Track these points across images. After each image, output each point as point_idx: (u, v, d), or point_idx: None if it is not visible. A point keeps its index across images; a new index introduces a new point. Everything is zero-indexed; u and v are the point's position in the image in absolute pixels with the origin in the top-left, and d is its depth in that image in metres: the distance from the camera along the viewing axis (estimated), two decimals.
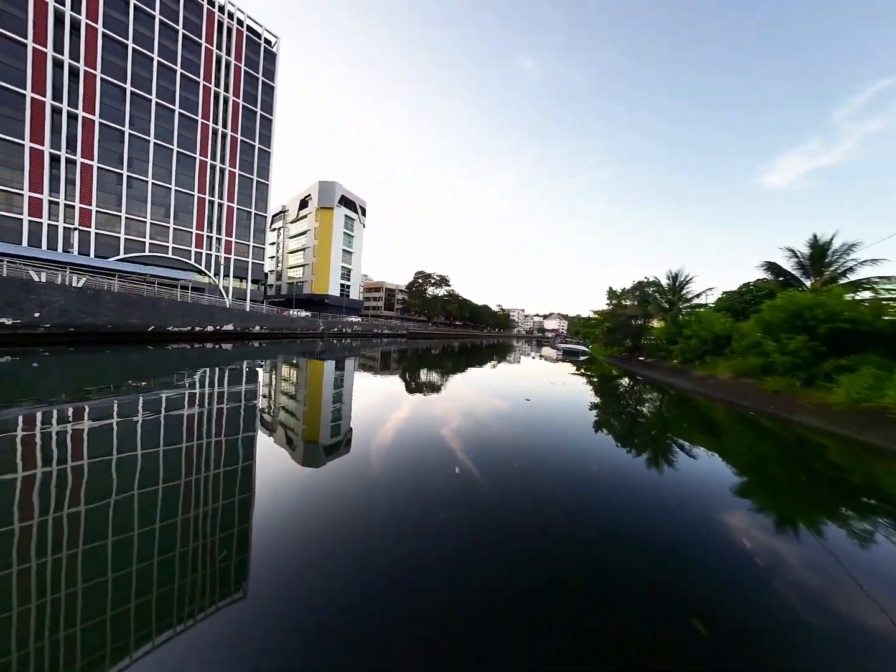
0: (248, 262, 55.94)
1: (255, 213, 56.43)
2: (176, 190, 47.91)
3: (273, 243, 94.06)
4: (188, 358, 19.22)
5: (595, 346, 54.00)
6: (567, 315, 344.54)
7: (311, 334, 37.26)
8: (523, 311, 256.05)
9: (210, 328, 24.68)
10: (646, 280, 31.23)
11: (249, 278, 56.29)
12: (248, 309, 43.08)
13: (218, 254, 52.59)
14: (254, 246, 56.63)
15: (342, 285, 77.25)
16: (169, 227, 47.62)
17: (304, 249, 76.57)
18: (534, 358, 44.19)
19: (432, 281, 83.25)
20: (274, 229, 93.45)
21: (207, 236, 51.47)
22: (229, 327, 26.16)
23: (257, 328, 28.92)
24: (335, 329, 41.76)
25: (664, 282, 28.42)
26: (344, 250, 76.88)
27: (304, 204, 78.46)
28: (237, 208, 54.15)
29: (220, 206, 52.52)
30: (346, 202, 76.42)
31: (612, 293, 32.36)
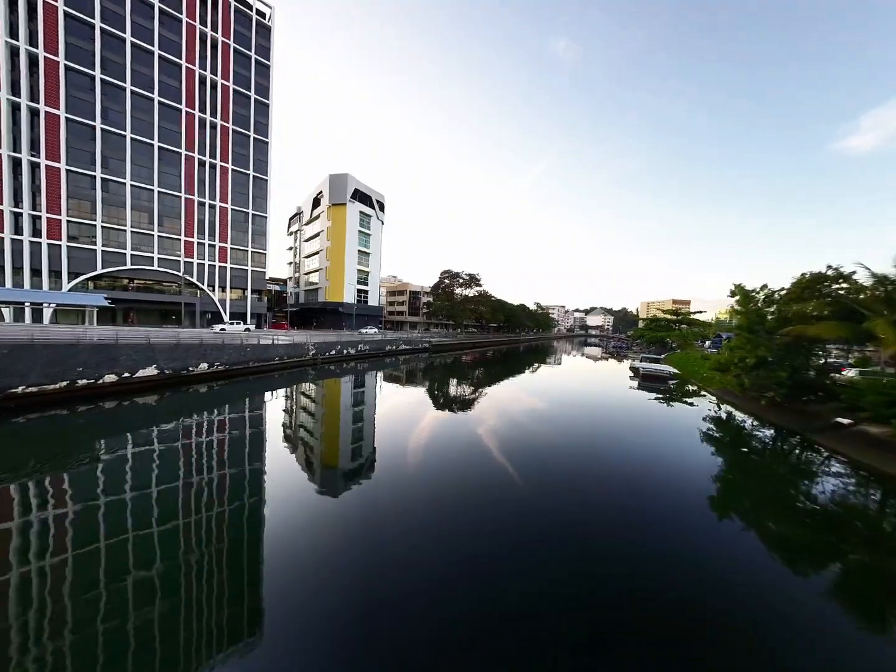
0: (246, 270, 49.11)
1: (254, 214, 49.41)
2: (159, 192, 41.68)
3: (291, 248, 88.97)
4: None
5: (694, 367, 40.40)
6: (611, 309, 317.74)
7: (296, 363, 28.41)
8: (563, 307, 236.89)
9: (109, 377, 16.27)
10: (833, 271, 18.11)
11: (249, 289, 49.45)
12: (224, 329, 35.55)
13: (212, 262, 46.08)
14: (253, 251, 49.70)
15: (359, 291, 69.22)
16: (153, 235, 41.52)
17: (318, 253, 69.56)
18: (589, 358, 32.15)
19: (460, 281, 72.98)
20: (291, 233, 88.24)
21: (199, 243, 45.05)
22: (149, 371, 17.55)
23: (204, 366, 20.20)
24: (333, 352, 32.82)
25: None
26: (360, 251, 68.75)
27: (316, 202, 71.45)
28: (232, 209, 47.33)
29: (213, 207, 45.90)
30: (361, 197, 68.15)
31: (744, 295, 19.64)
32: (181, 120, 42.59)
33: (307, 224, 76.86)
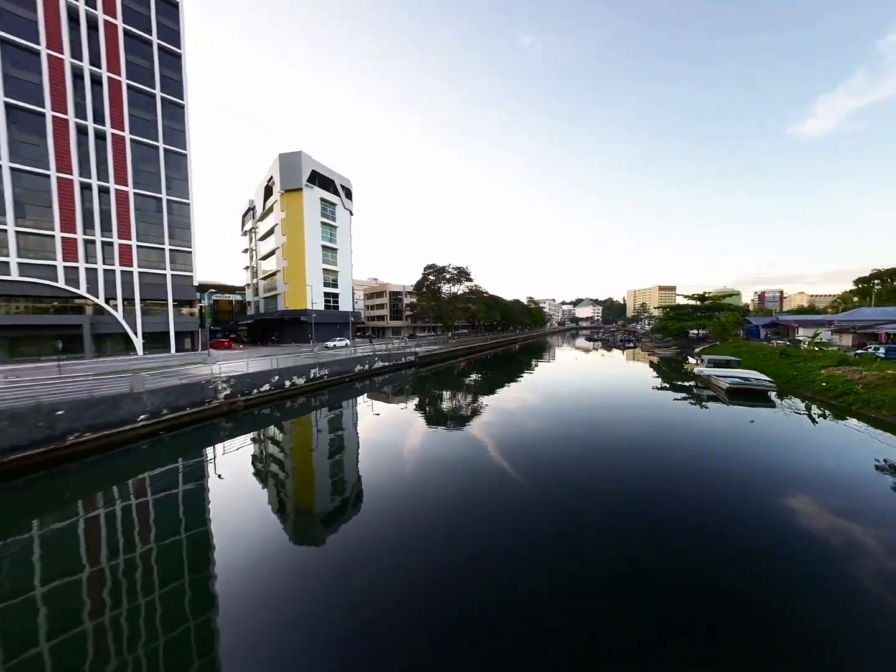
0: (164, 275, 36.80)
1: (170, 201, 37.12)
2: (13, 168, 29.17)
3: (246, 250, 76.09)
4: None
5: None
6: (597, 300, 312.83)
7: (188, 418, 16.86)
8: (554, 300, 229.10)
9: None
10: None
11: (171, 300, 37.12)
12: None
13: (109, 267, 33.66)
14: (173, 250, 37.40)
15: (327, 295, 57.35)
16: (7, 231, 28.96)
17: (274, 253, 57.32)
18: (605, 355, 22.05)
19: (447, 276, 62.27)
20: (245, 232, 75.37)
21: (86, 241, 32.61)
22: None
23: None
24: (267, 387, 21.39)
25: None
26: (325, 247, 56.89)
27: (268, 192, 59.16)
28: (136, 193, 34.98)
29: (105, 191, 33.51)
30: (321, 181, 56.30)
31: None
32: (41, 67, 30.10)
33: (261, 219, 64.40)
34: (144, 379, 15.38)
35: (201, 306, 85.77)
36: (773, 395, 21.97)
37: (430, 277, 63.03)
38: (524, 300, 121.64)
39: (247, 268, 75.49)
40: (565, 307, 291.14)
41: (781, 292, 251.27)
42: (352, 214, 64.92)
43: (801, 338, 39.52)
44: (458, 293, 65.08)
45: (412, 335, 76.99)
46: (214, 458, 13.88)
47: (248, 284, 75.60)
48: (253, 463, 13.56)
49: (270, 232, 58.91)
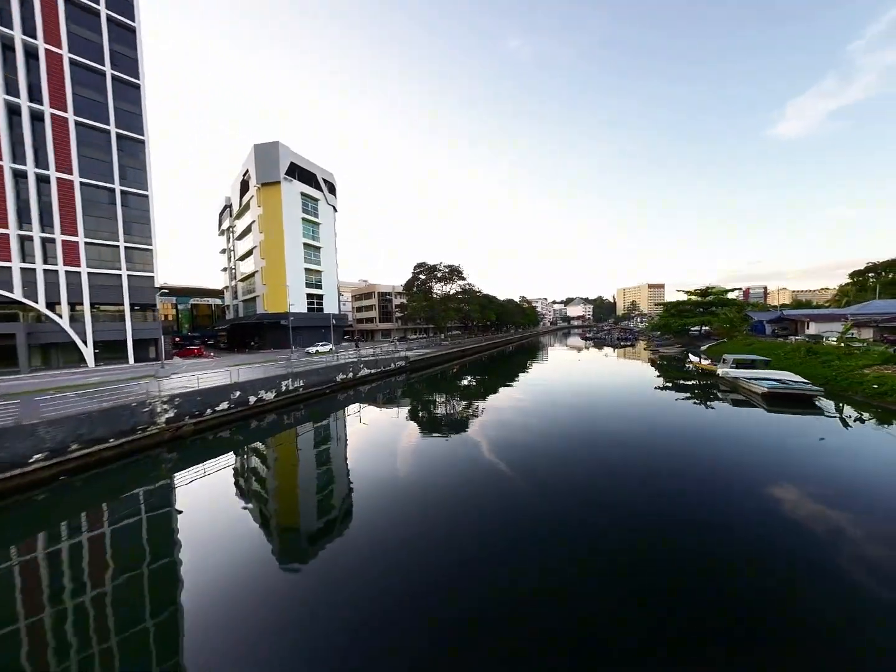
0: (119, 275, 32.54)
1: (125, 192, 32.90)
2: None
3: (224, 251, 71.48)
4: None
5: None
6: (587, 298, 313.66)
7: (116, 451, 13.10)
8: (546, 299, 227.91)
9: None
10: None
11: (127, 304, 32.84)
12: None
13: (52, 267, 29.34)
14: (129, 247, 33.17)
15: (310, 296, 53.40)
16: None
17: (251, 252, 53.10)
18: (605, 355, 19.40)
19: (439, 275, 58.86)
20: (222, 232, 70.78)
21: (22, 237, 28.28)
22: None
23: None
24: (225, 405, 17.65)
25: None
26: (307, 245, 52.93)
27: (244, 187, 54.97)
28: (83, 183, 30.72)
29: (44, 180, 29.21)
30: (302, 174, 52.40)
31: None
32: None
33: (238, 217, 60.09)
34: (39, 406, 11.56)
35: (178, 311, 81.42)
36: (818, 400, 19.14)
37: (421, 277, 59.54)
38: (517, 300, 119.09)
39: (224, 269, 70.89)
40: (556, 306, 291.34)
41: (765, 288, 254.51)
42: (336, 211, 61.10)
43: (816, 333, 37.30)
44: (451, 293, 61.75)
45: (403, 337, 73.33)
46: (143, 502, 10.23)
47: (226, 287, 70.99)
48: (202, 500, 9.98)
49: (248, 230, 54.68)
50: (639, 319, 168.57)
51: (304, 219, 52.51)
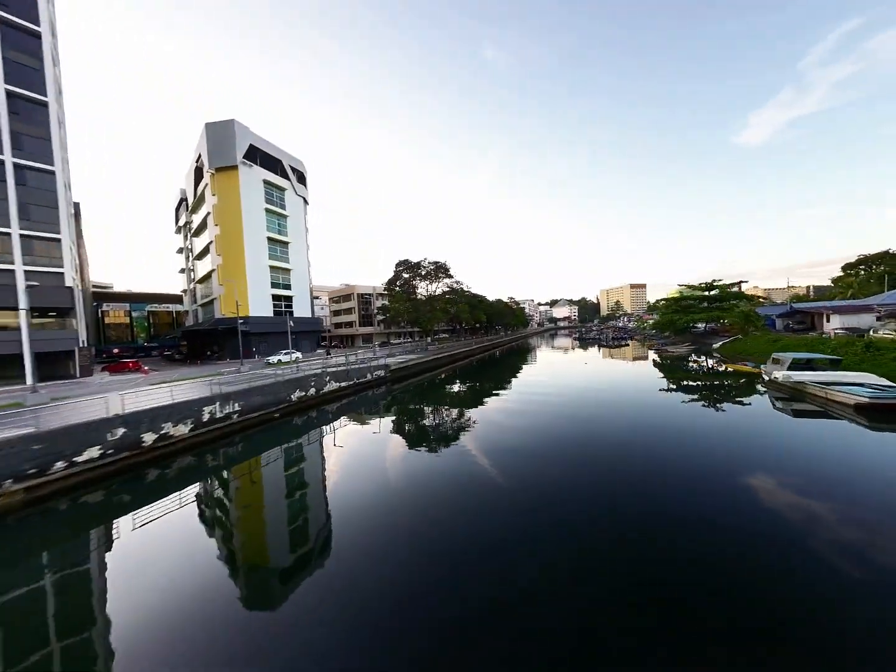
0: (12, 270, 25.46)
1: (20, 165, 25.95)
2: None
3: (181, 250, 63.81)
4: None
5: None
6: (572, 300, 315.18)
7: None
8: (533, 300, 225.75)
9: None
10: None
11: (24, 307, 25.69)
12: None
13: None
14: (26, 235, 26.14)
15: (277, 298, 46.82)
16: None
17: (208, 249, 46.14)
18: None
19: (423, 272, 53.34)
20: (179, 228, 63.16)
21: None
22: None
23: None
24: (88, 456, 11.34)
25: None
26: (272, 240, 46.44)
27: (199, 175, 48.09)
28: None
29: None
30: (265, 159, 46.06)
31: None
32: None
33: (193, 211, 52.97)
34: None
35: (132, 320, 72.63)
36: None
37: (404, 275, 53.80)
38: (505, 300, 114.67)
39: (182, 270, 63.18)
40: (542, 308, 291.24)
41: (739, 286, 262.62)
42: (307, 203, 54.83)
43: (842, 327, 33.64)
44: (437, 293, 56.21)
45: (384, 343, 67.17)
46: None
47: (184, 290, 63.25)
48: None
49: (203, 225, 47.73)
50: (626, 319, 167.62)
51: (268, 210, 46.06)
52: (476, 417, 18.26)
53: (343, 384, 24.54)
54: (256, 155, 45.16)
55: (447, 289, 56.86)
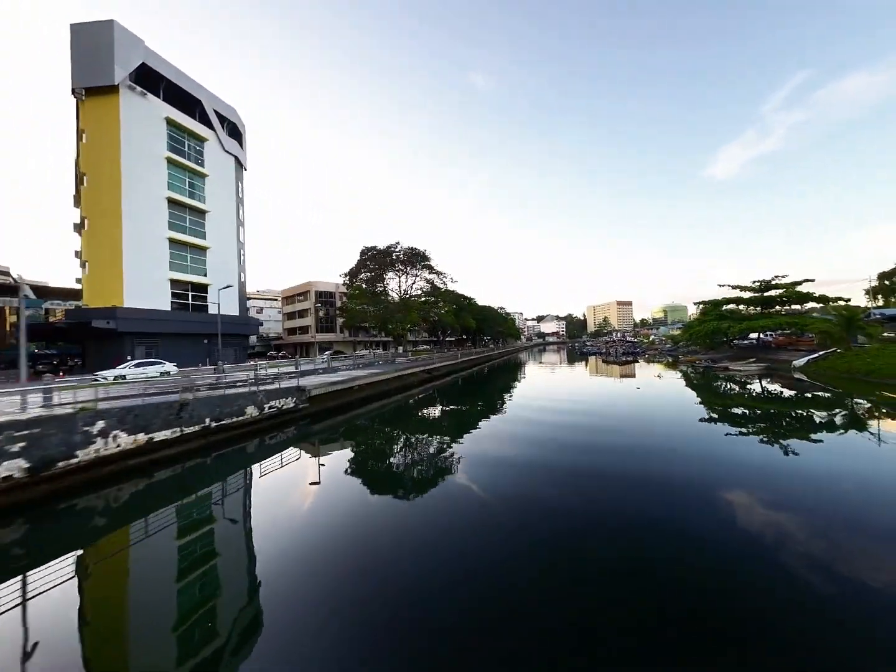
0: None
1: None
2: None
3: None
4: None
5: None
6: (558, 316, 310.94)
7: None
8: (521, 314, 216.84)
9: None
10: None
11: None
12: None
13: None
14: None
15: (180, 285, 32.74)
16: None
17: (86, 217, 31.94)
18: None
19: (395, 263, 40.35)
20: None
21: None
22: None
23: None
24: None
25: None
26: (176, 203, 32.76)
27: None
28: None
29: None
30: (172, 92, 32.94)
31: None
32: None
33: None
34: None
35: (19, 318, 56.20)
36: None
37: (368, 264, 40.80)
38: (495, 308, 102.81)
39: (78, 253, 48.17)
40: (530, 322, 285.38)
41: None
42: (244, 168, 41.68)
43: None
44: (413, 290, 43.44)
45: (337, 353, 53.24)
46: None
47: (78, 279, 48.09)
48: None
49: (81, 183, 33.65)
50: (620, 334, 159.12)
51: (172, 161, 32.57)
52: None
53: (187, 431, 10.96)
54: (159, 84, 32.03)
55: (427, 285, 44.08)
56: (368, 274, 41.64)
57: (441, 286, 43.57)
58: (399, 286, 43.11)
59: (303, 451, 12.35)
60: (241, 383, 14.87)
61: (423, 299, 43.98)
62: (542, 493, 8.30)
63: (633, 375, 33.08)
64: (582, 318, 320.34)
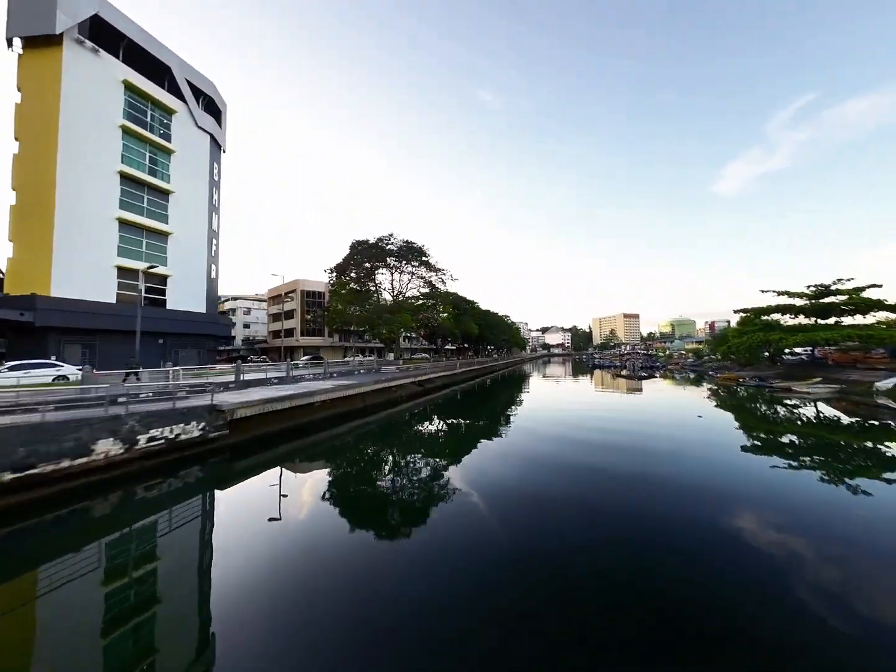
0: None
1: None
2: None
3: None
4: None
5: None
6: (563, 327, 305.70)
7: None
8: (526, 324, 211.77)
9: None
10: None
11: None
12: None
13: None
14: None
15: (127, 273, 27.78)
16: None
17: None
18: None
19: (388, 257, 35.16)
20: None
21: None
22: None
23: None
24: None
25: None
26: (129, 178, 28.10)
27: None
28: None
29: None
30: (133, 53, 28.65)
31: None
32: None
33: None
34: None
35: None
36: None
37: (356, 256, 35.76)
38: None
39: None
40: (534, 333, 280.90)
41: (728, 322, 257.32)
42: (222, 150, 37.30)
43: None
44: (406, 291, 38.25)
45: (314, 358, 47.86)
46: None
47: None
48: None
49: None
50: (628, 346, 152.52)
51: (128, 131, 28.02)
52: None
53: None
54: (118, 43, 27.75)
55: (425, 285, 38.82)
56: (358, 271, 36.60)
57: (440, 286, 38.34)
58: (392, 285, 37.99)
59: (210, 500, 7.16)
60: (106, 399, 9.50)
61: (419, 302, 38.80)
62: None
63: (672, 395, 27.28)
64: (587, 330, 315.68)
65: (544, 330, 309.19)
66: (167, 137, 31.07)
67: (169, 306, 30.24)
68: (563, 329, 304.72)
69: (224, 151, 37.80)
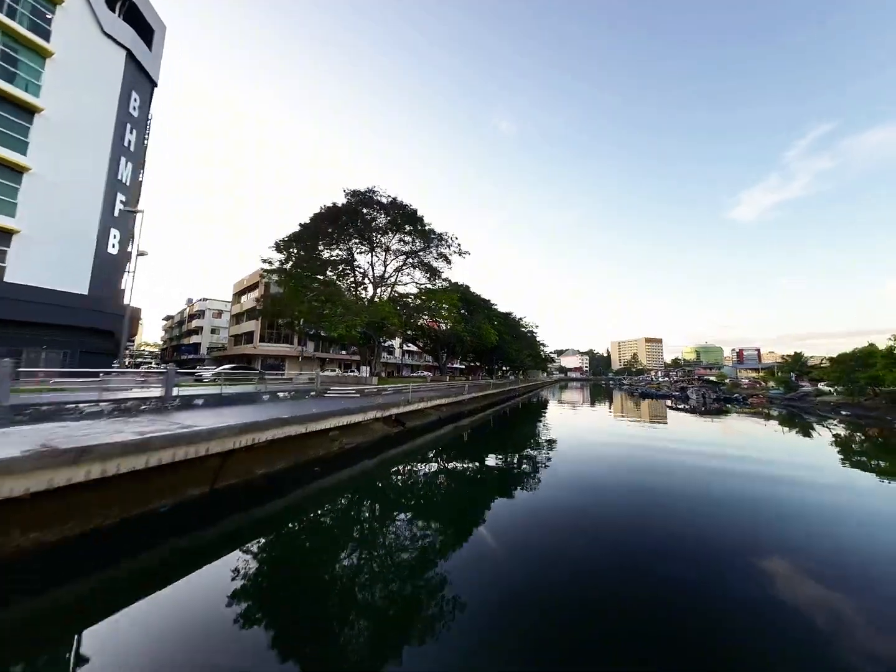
0: None
1: None
2: None
3: None
4: None
5: None
6: (579, 350, 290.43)
7: None
8: (544, 345, 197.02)
9: None
10: None
11: None
12: None
13: None
14: None
15: None
16: None
17: None
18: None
19: (368, 227, 23.67)
20: None
21: None
22: None
23: None
24: None
25: None
26: None
27: None
28: None
29: None
30: None
31: None
32: None
33: None
34: None
35: None
36: None
37: (324, 225, 24.27)
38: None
39: None
40: (551, 355, 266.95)
41: (759, 350, 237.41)
42: (151, 80, 27.38)
43: None
44: (401, 290, 26.43)
45: (235, 368, 35.83)
46: None
47: None
48: None
49: None
50: (660, 373, 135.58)
51: None
52: None
53: None
54: None
55: (421, 268, 26.88)
56: (314, 242, 24.85)
57: (445, 269, 26.28)
58: (373, 269, 26.18)
59: None
60: None
61: (417, 302, 26.70)
62: None
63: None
64: (605, 354, 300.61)
65: (560, 353, 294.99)
66: (43, 33, 21.03)
67: (8, 278, 19.10)
68: (579, 352, 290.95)
69: (156, 85, 27.91)
